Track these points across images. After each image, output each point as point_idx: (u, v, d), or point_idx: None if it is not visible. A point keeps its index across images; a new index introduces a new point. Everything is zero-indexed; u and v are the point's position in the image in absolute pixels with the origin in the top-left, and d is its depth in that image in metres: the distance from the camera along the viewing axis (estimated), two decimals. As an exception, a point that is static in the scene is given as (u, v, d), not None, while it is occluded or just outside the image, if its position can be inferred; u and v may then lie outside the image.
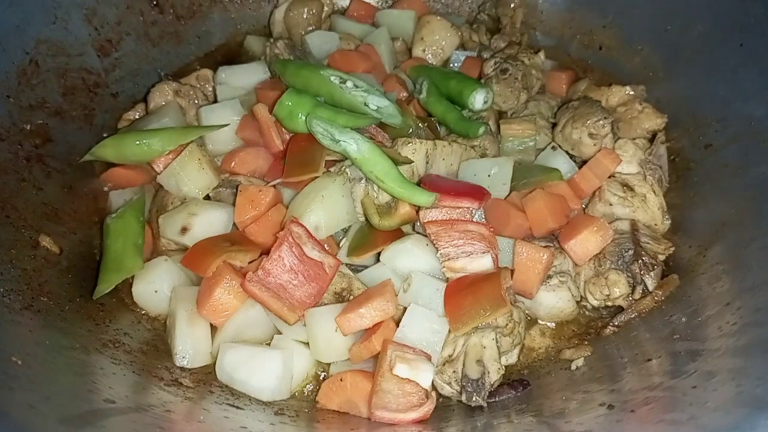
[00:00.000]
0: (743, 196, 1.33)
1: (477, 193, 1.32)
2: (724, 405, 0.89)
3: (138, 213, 1.41)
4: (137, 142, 1.43)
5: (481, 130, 1.53)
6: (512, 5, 1.94)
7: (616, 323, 1.33)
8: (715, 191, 1.42)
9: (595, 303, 1.37)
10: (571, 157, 1.53)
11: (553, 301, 1.36)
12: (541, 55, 1.74)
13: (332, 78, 1.46)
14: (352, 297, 1.31)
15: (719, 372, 0.98)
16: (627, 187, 1.46)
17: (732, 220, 1.32)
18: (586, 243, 1.36)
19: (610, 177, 1.47)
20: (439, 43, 1.85)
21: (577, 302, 1.39)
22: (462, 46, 1.89)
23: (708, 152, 1.48)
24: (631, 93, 1.62)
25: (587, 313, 1.42)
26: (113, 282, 1.32)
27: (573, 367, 1.27)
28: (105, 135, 1.62)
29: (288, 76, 1.53)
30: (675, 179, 1.54)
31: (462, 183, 1.39)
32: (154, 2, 1.81)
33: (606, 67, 1.78)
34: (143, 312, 1.38)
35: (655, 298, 1.32)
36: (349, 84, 1.46)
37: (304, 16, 1.89)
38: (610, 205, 1.44)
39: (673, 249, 1.39)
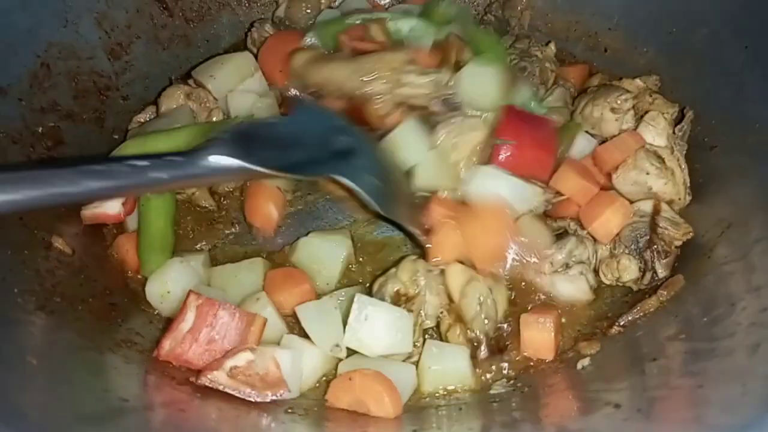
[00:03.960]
0: (749, 197, 1.34)
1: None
2: (731, 405, 0.90)
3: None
4: (162, 140, 1.46)
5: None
6: (519, 7, 1.95)
7: (621, 323, 1.34)
8: (721, 192, 1.43)
9: (607, 282, 1.43)
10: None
11: (572, 291, 1.40)
12: (552, 46, 1.76)
13: (357, 22, 1.54)
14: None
15: (726, 372, 0.99)
16: (660, 158, 1.47)
17: (737, 221, 1.33)
18: (608, 223, 1.41)
19: (642, 148, 1.47)
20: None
21: (595, 289, 1.43)
22: None
23: (713, 153, 1.49)
24: (642, 84, 1.63)
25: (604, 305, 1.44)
26: (160, 263, 1.39)
27: (579, 366, 1.28)
28: (116, 137, 1.64)
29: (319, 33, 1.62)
30: (680, 180, 1.54)
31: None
32: (164, 6, 1.82)
33: (612, 70, 1.78)
34: (155, 312, 1.40)
35: (660, 298, 1.33)
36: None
37: (304, 12, 1.91)
38: (647, 174, 1.44)
39: (692, 234, 1.40)
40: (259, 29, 1.81)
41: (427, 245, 1.39)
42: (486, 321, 1.32)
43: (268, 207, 1.51)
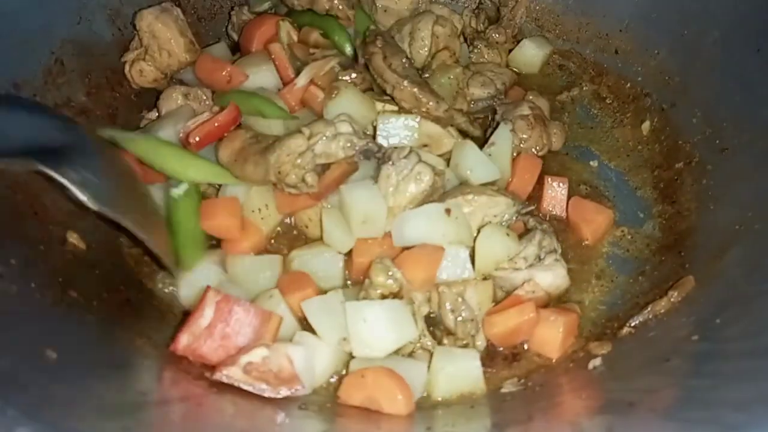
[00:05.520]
0: (759, 199, 1.35)
1: None
2: (746, 405, 0.90)
3: (199, 189, 1.46)
4: (177, 160, 1.46)
5: None
6: (510, 3, 1.94)
7: (632, 324, 1.35)
8: (732, 194, 1.44)
9: None
10: None
11: (551, 279, 1.41)
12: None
13: None
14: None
15: (739, 373, 0.99)
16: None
17: (748, 223, 1.34)
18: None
19: None
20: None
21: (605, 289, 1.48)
22: (462, 34, 1.88)
23: (724, 156, 1.50)
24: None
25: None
26: (198, 257, 1.41)
27: (590, 366, 1.28)
28: (128, 133, 1.65)
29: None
30: (691, 182, 1.55)
31: None
32: (176, 3, 1.83)
33: (622, 72, 1.79)
34: (167, 308, 1.41)
35: (671, 299, 1.34)
36: None
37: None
38: None
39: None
40: (237, 13, 1.84)
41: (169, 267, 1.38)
42: (466, 324, 1.33)
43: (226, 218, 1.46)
